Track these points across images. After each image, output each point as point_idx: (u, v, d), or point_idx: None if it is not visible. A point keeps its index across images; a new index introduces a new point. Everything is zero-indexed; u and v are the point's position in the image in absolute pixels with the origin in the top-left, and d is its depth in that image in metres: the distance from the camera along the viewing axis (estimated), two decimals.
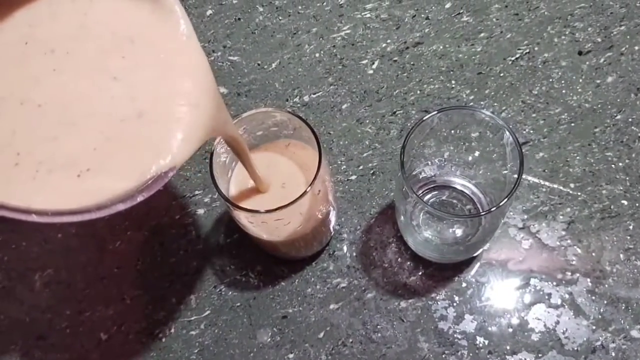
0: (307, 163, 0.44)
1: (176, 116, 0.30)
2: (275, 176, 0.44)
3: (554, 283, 0.48)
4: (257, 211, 0.40)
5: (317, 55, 0.58)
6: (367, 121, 0.55)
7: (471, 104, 0.54)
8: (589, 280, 0.48)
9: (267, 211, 0.39)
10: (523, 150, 0.52)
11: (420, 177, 0.49)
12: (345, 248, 0.51)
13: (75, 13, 0.30)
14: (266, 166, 0.43)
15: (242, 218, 0.42)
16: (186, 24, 0.31)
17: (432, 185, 0.50)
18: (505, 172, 0.44)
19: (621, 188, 0.50)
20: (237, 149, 0.38)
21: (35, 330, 0.50)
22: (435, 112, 0.42)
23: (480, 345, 0.46)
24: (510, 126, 0.52)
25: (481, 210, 0.49)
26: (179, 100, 0.30)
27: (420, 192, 0.50)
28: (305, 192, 0.38)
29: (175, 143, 0.29)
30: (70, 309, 0.51)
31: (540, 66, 0.55)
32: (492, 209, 0.39)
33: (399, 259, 0.50)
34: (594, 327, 0.46)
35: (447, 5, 0.59)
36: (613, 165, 0.51)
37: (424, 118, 0.41)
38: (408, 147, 0.41)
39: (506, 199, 0.39)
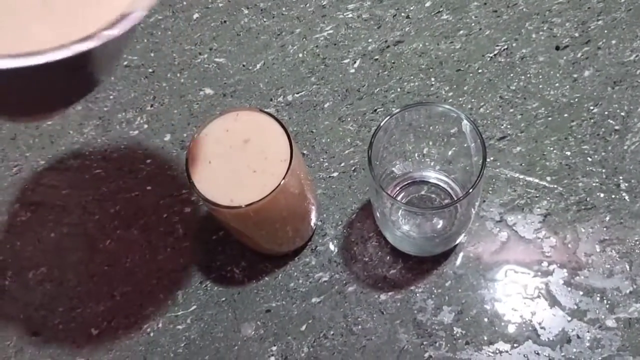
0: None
1: None
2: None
3: (531, 274, 0.49)
4: (236, 207, 0.41)
5: (300, 55, 0.59)
6: (349, 119, 0.56)
7: (450, 100, 0.55)
8: (564, 271, 0.49)
9: (242, 206, 0.40)
10: (501, 145, 0.53)
11: (399, 173, 0.50)
12: (327, 243, 0.52)
13: None
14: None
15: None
16: None
17: (409, 181, 0.51)
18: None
19: (597, 180, 0.51)
20: None
21: (29, 327, 0.52)
22: (398, 110, 0.43)
23: (458, 335, 0.48)
24: (488, 121, 0.54)
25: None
26: None
27: (398, 188, 0.51)
28: (276, 188, 0.40)
29: None
30: (63, 306, 0.53)
31: (518, 62, 0.56)
32: (461, 199, 0.41)
33: (379, 253, 0.51)
34: (569, 318, 0.47)
35: (427, 4, 0.60)
36: (589, 158, 0.52)
37: (381, 123, 0.43)
38: (375, 147, 0.42)
39: (472, 189, 0.40)
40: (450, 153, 0.49)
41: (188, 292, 0.52)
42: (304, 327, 0.49)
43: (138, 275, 0.53)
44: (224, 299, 0.51)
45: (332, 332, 0.49)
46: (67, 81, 0.30)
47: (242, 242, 0.52)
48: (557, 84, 0.55)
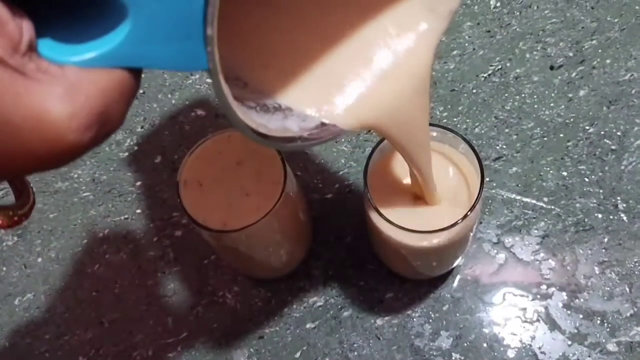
0: None
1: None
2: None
3: (529, 297, 0.48)
4: (229, 231, 0.40)
5: None
6: (343, 140, 0.55)
7: (444, 120, 0.54)
8: (564, 294, 0.48)
9: (234, 230, 0.39)
10: (496, 166, 0.52)
11: None
12: (321, 267, 0.51)
13: None
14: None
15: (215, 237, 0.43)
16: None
17: None
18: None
19: (595, 201, 0.50)
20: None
21: (15, 355, 0.50)
22: None
23: None
24: (483, 141, 0.53)
25: None
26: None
27: None
28: (270, 211, 0.39)
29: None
30: (50, 333, 0.51)
31: (512, 82, 0.55)
32: (458, 221, 0.40)
33: (375, 276, 0.50)
34: (569, 342, 0.46)
35: None
36: (586, 179, 0.51)
37: (377, 144, 0.42)
38: (370, 170, 0.41)
39: (470, 211, 0.39)
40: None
41: (179, 318, 0.50)
42: (298, 354, 0.48)
43: (127, 301, 0.51)
44: (215, 325, 0.50)
45: (327, 359, 0.48)
46: None
47: (235, 266, 0.51)
48: (552, 104, 0.54)
